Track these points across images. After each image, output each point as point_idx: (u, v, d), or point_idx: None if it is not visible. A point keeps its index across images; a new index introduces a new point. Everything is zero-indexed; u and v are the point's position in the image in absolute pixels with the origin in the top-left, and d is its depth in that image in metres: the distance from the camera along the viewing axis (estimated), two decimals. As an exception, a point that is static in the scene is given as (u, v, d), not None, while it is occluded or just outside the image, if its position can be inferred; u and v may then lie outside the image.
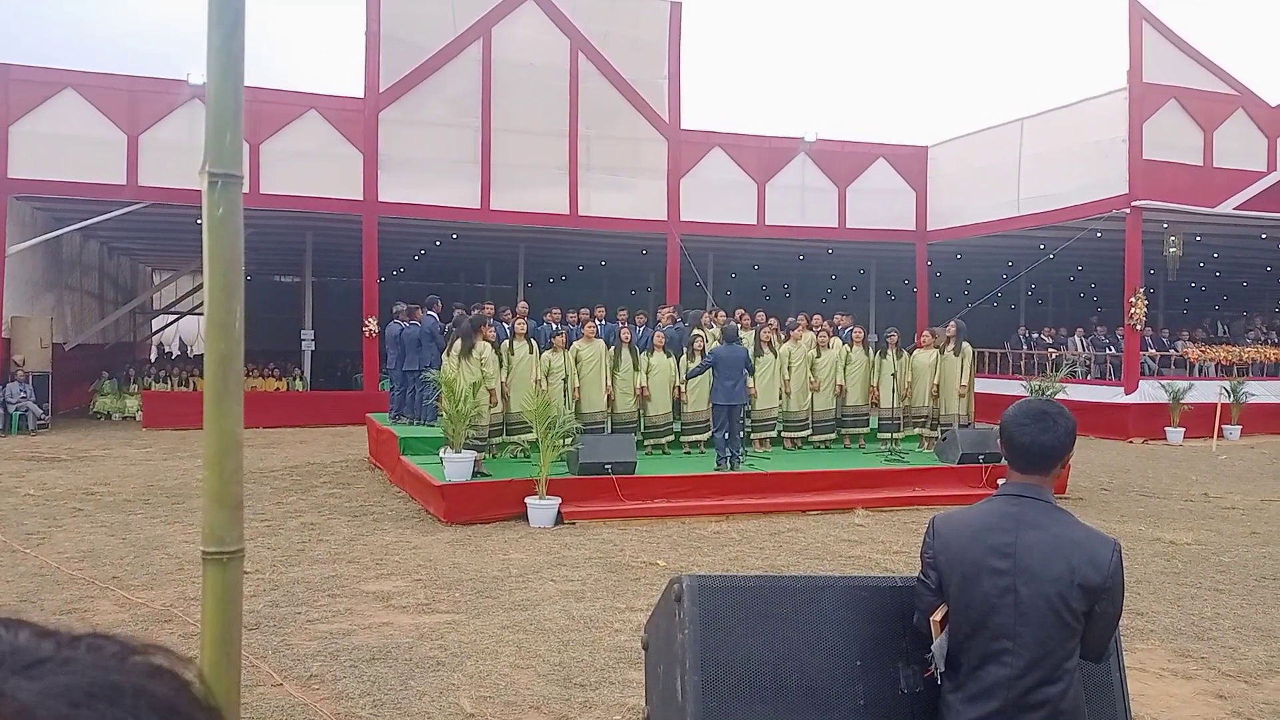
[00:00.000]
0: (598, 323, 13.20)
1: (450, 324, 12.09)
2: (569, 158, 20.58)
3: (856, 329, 13.94)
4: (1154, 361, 20.88)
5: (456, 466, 9.95)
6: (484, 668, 5.33)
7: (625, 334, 12.50)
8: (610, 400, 12.04)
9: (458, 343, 10.78)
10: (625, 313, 14.30)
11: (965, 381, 12.78)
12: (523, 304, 13.31)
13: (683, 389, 12.25)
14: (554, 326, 13.55)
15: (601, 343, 12.19)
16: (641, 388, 12.13)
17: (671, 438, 12.47)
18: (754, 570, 7.72)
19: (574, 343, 12.17)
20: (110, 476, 12.29)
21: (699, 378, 11.94)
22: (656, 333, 12.74)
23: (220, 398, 2.47)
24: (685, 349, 12.56)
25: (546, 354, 11.73)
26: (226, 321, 2.47)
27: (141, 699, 0.48)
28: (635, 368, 12.13)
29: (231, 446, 2.48)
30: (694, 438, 12.42)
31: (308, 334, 21.68)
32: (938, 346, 13.13)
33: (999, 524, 2.36)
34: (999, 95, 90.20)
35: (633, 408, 12.20)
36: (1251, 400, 19.49)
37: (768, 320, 14.14)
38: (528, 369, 11.39)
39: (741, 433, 11.92)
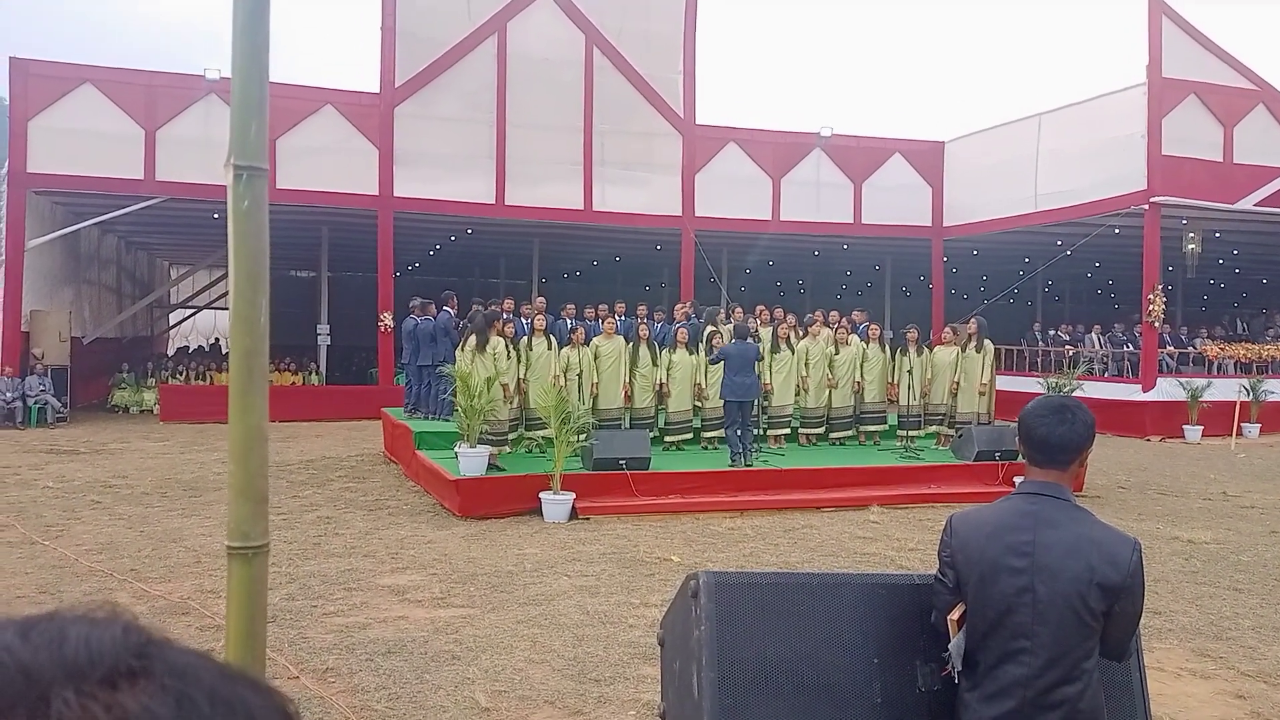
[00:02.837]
0: (617, 318, 13.17)
1: (465, 319, 12.12)
2: (584, 153, 20.58)
3: (873, 326, 13.87)
4: (1172, 359, 20.73)
5: (471, 461, 9.98)
6: (499, 662, 5.35)
7: (644, 330, 12.49)
8: (628, 397, 12.03)
9: (472, 338, 10.80)
10: (645, 308, 14.31)
11: (986, 379, 12.71)
12: (540, 300, 13.31)
13: (704, 385, 12.23)
14: (570, 322, 13.55)
15: (621, 339, 12.17)
16: (661, 383, 12.12)
17: (691, 435, 12.45)
18: (769, 567, 7.71)
19: (594, 339, 12.16)
20: (128, 469, 12.38)
21: (718, 373, 11.96)
22: (680, 329, 12.68)
23: (245, 392, 2.47)
24: (703, 344, 12.52)
25: (565, 350, 11.73)
26: (251, 316, 2.47)
27: (265, 713, 0.51)
28: (654, 364, 12.12)
29: (257, 441, 2.48)
30: (713, 434, 12.40)
31: (323, 329, 21.79)
32: (959, 344, 13.06)
33: (1017, 523, 2.34)
34: (1016, 90, 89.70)
35: (650, 404, 12.19)
36: (1271, 398, 19.32)
37: (785, 316, 14.11)
38: (546, 365, 11.40)
39: (756, 429, 11.90)
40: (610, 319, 12.80)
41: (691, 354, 12.28)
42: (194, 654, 0.51)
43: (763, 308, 14.17)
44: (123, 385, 21.07)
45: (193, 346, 29.92)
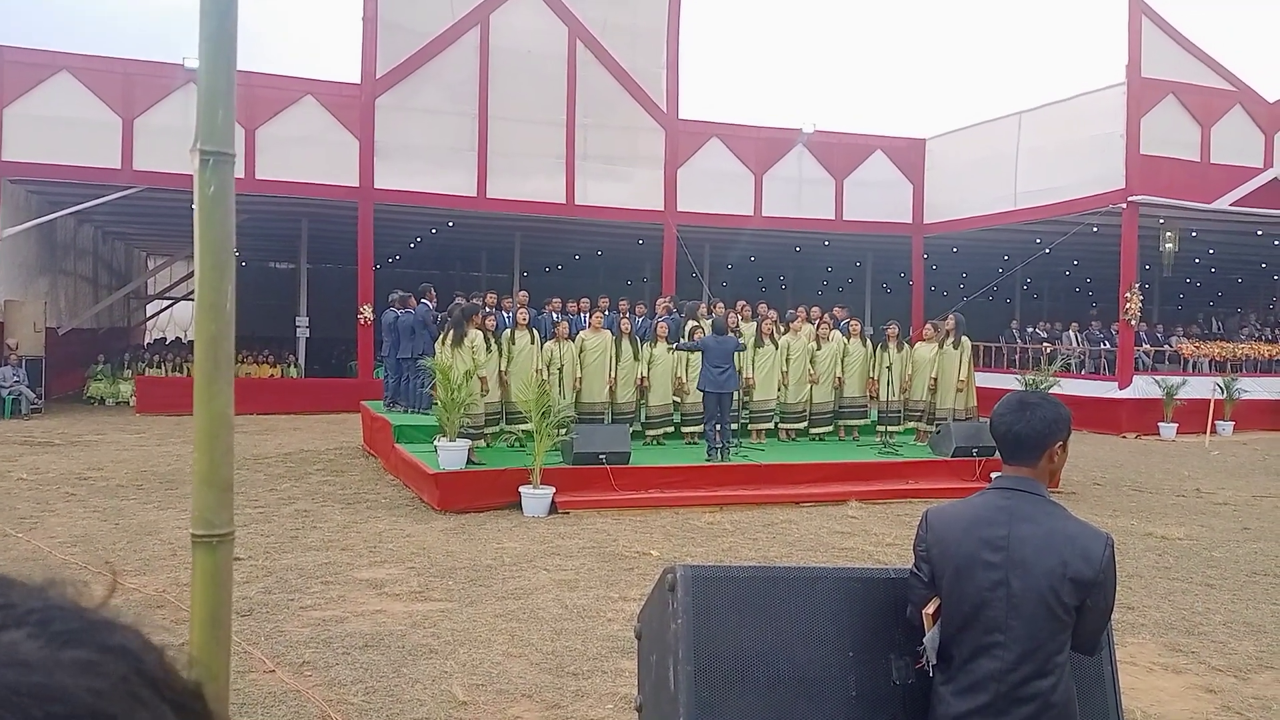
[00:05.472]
0: (604, 313, 13.18)
1: (445, 312, 12.08)
2: (566, 146, 20.53)
3: (853, 321, 13.93)
4: (1148, 357, 20.93)
5: (451, 455, 9.94)
6: (477, 656, 5.33)
7: (625, 324, 12.50)
8: (611, 391, 12.04)
9: (450, 331, 10.77)
10: (626, 303, 14.31)
11: (964, 375, 12.76)
12: (523, 293, 13.30)
13: (684, 379, 12.27)
14: (555, 316, 13.53)
15: (608, 333, 12.20)
16: (641, 378, 12.13)
17: (671, 429, 12.47)
18: (747, 561, 7.73)
19: (580, 332, 12.17)
20: (103, 461, 12.27)
21: (697, 368, 11.97)
22: (660, 323, 12.71)
23: (211, 379, 2.45)
24: (684, 338, 12.55)
25: (549, 344, 11.74)
26: (217, 302, 2.45)
27: (55, 704, 0.42)
28: (636, 358, 12.14)
29: (222, 428, 2.47)
30: (694, 429, 12.43)
31: (302, 321, 21.65)
32: (938, 340, 13.13)
33: (992, 517, 2.36)
34: (997, 88, 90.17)
35: (633, 398, 12.21)
36: (1245, 396, 19.55)
37: (768, 312, 14.15)
38: (529, 359, 11.39)
39: (736, 424, 11.93)
40: (598, 313, 12.82)
41: (671, 348, 12.31)
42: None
43: (744, 303, 14.21)
44: (99, 376, 20.87)
45: (170, 338, 29.66)
